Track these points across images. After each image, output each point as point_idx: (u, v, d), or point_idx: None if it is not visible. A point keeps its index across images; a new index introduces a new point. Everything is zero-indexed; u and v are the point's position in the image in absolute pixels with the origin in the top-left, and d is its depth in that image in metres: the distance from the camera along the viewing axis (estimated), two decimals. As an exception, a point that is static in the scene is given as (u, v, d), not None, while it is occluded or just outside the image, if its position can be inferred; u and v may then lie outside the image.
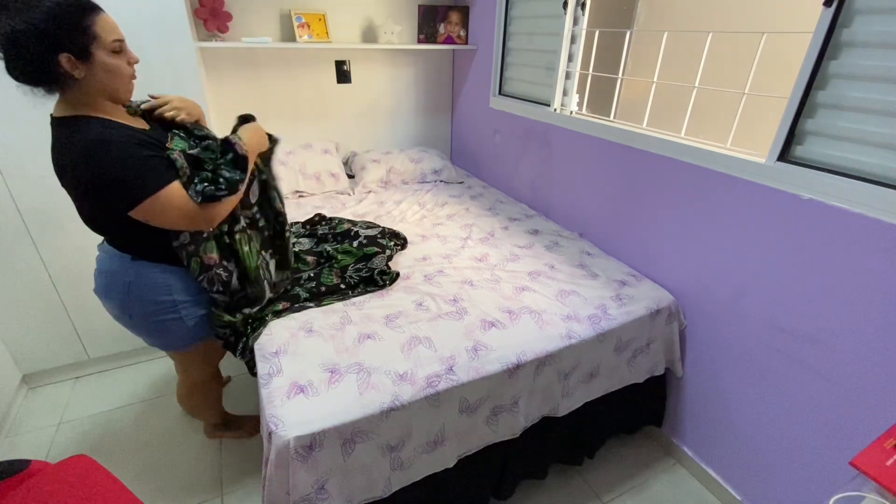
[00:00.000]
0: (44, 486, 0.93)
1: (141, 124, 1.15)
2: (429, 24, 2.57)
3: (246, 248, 1.30)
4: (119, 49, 1.00)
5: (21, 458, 0.97)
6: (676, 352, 1.62)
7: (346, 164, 2.72)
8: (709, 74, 1.54)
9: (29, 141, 1.60)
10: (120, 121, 1.07)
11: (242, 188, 1.16)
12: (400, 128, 2.89)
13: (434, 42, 2.61)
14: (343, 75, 2.57)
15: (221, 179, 1.11)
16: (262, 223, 1.38)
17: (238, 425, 1.77)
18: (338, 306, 1.47)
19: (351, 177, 2.63)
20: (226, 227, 1.24)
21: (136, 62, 1.07)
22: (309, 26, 2.30)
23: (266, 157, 1.36)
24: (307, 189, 2.41)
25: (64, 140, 0.99)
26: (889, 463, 0.80)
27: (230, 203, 1.16)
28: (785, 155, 1.25)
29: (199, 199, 1.07)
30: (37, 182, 1.66)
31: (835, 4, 1.08)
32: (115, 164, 0.97)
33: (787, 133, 1.23)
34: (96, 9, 0.97)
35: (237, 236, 1.27)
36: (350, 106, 2.68)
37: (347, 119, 2.71)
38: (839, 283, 1.17)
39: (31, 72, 0.93)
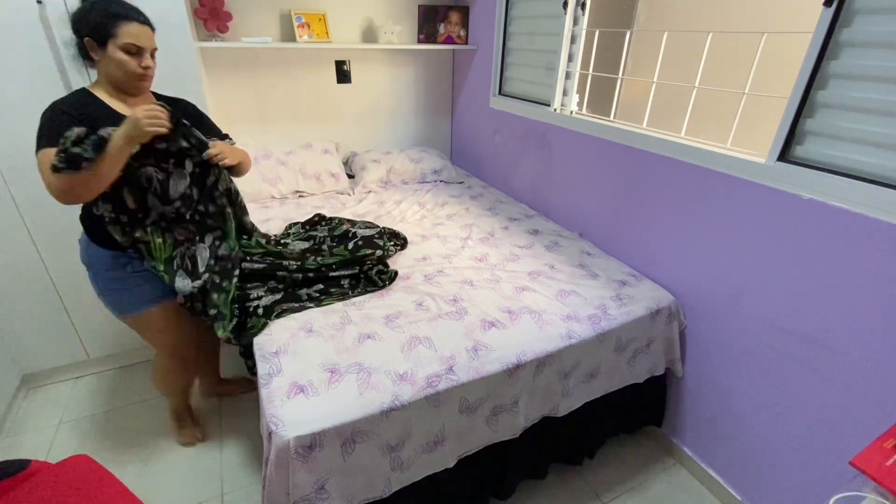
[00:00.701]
0: (44, 486, 0.93)
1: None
2: (429, 24, 2.57)
3: (159, 240, 1.36)
4: (133, 51, 1.20)
5: (21, 458, 0.97)
6: (676, 352, 1.62)
7: (346, 164, 2.72)
8: (709, 74, 1.54)
9: (27, 139, 1.59)
10: (109, 102, 1.25)
11: (86, 167, 1.11)
12: (400, 128, 2.89)
13: (434, 42, 2.61)
14: (343, 75, 2.57)
15: (64, 154, 1.10)
16: (188, 216, 1.39)
17: (195, 423, 1.80)
18: (338, 306, 1.47)
19: (351, 177, 2.63)
20: (125, 219, 1.29)
21: (148, 67, 1.25)
22: (309, 26, 2.30)
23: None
24: (307, 189, 2.41)
25: None
26: (889, 463, 0.80)
27: (78, 182, 1.12)
28: (785, 155, 1.25)
29: (52, 168, 1.09)
30: (36, 181, 1.65)
31: (835, 4, 1.08)
32: (41, 121, 1.17)
33: (787, 133, 1.23)
34: (129, 18, 1.19)
35: (149, 229, 1.33)
36: (350, 106, 2.68)
37: (347, 119, 2.71)
38: (839, 283, 1.17)
39: (76, 45, 1.21)
